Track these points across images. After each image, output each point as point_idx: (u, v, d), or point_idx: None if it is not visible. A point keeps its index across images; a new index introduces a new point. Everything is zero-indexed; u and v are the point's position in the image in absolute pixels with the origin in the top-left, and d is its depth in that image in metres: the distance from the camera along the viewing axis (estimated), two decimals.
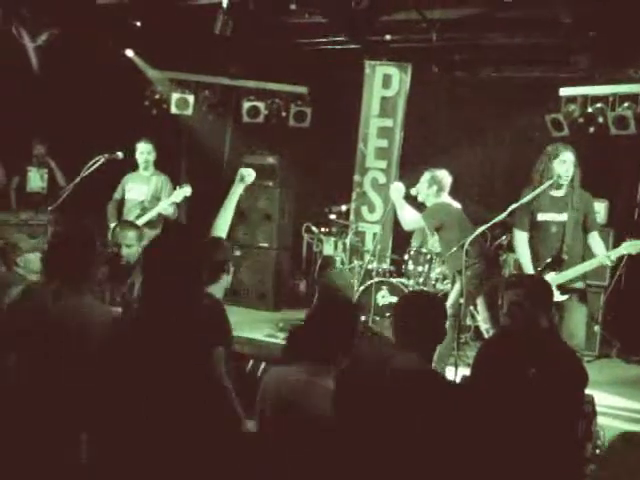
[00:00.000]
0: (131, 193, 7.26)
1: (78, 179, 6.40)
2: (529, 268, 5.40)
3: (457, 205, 6.42)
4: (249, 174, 4.37)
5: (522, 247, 5.50)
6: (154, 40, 8.46)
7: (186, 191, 6.80)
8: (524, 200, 5.36)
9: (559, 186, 5.38)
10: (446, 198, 6.33)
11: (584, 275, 5.40)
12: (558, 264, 5.30)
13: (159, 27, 8.18)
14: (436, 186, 6.24)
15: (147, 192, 7.17)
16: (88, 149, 6.73)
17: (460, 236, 5.80)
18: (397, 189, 6.42)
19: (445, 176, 6.31)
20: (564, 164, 5.33)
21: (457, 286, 6.03)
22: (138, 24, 8.25)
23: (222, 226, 4.22)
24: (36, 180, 7.82)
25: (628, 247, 5.21)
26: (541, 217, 5.41)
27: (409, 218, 6.36)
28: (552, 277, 5.20)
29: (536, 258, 5.41)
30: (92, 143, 7.10)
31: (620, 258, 5.43)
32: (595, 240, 5.41)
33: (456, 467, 2.43)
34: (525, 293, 3.82)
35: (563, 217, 5.33)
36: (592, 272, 5.57)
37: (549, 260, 5.34)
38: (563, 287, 5.26)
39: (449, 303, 6.08)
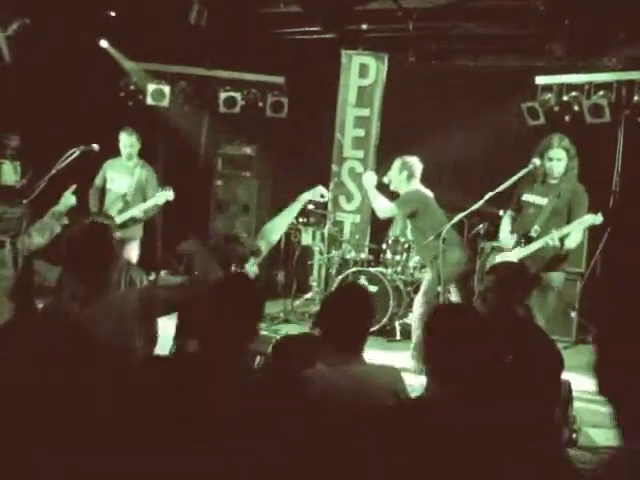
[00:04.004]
0: (114, 184, 7.08)
1: (53, 171, 6.34)
2: (503, 236, 5.58)
3: (429, 193, 6.44)
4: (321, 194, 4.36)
5: (503, 222, 5.70)
6: (129, 30, 8.38)
7: (168, 195, 6.70)
8: (500, 188, 5.41)
9: (548, 177, 5.43)
10: (418, 185, 6.34)
11: (557, 266, 5.40)
12: (526, 242, 5.34)
13: (134, 17, 8.10)
14: (406, 172, 6.26)
15: (130, 184, 7.00)
16: (63, 141, 6.67)
17: (433, 223, 5.92)
18: (369, 178, 6.45)
19: (415, 163, 6.33)
20: (551, 162, 5.38)
21: (429, 274, 6.10)
22: (112, 14, 8.17)
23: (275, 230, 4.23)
24: (10, 173, 7.72)
25: (576, 225, 5.24)
26: (525, 197, 5.51)
27: (382, 207, 6.40)
28: (518, 251, 5.31)
29: (514, 233, 5.51)
30: (67, 135, 7.03)
31: (597, 244, 5.50)
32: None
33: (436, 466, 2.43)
34: (500, 279, 3.86)
35: (543, 201, 5.38)
36: (568, 260, 5.61)
37: (520, 236, 5.40)
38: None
39: (422, 291, 6.13)
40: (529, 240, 5.31)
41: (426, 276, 6.23)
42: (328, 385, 2.83)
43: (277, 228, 4.51)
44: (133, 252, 6.98)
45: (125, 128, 7.08)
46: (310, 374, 2.89)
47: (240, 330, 2.62)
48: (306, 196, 4.85)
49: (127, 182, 7.04)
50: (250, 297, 2.69)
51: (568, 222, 5.35)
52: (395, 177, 6.31)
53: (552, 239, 5.16)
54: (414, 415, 2.41)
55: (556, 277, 5.36)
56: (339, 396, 2.78)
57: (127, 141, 7.04)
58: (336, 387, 2.82)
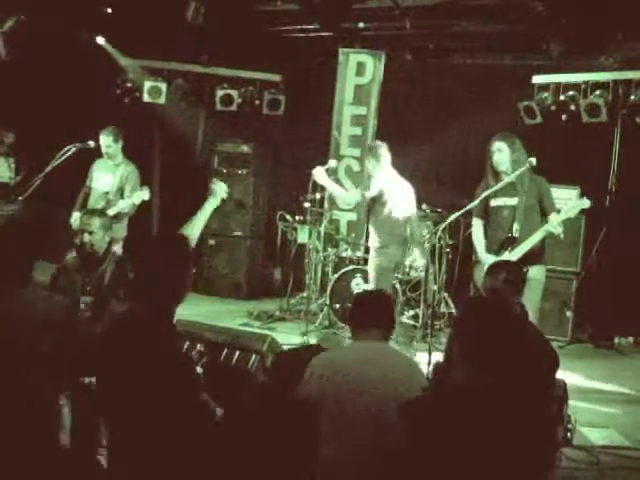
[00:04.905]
0: (97, 182, 6.97)
1: (49, 168, 6.32)
2: (481, 253, 5.46)
3: (401, 183, 6.38)
4: (221, 189, 4.15)
5: (476, 233, 5.57)
6: (125, 27, 8.35)
7: (144, 194, 6.57)
8: (482, 196, 5.39)
9: (499, 172, 5.42)
10: (388, 172, 6.31)
11: (538, 259, 5.36)
12: (511, 243, 5.31)
13: (130, 14, 8.07)
14: (371, 156, 6.29)
15: (112, 183, 6.89)
16: (59, 138, 6.64)
17: (389, 215, 6.09)
18: (318, 173, 6.43)
19: (379, 146, 6.33)
20: (496, 153, 5.38)
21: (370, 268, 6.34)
22: (109, 11, 8.14)
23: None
24: (4, 169, 7.69)
25: (568, 211, 5.22)
26: (494, 203, 5.46)
27: (346, 195, 6.83)
28: (508, 255, 5.23)
29: (491, 242, 5.45)
30: (63, 132, 7.00)
31: (592, 244, 5.46)
32: None
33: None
34: (504, 279, 3.87)
35: (514, 201, 5.36)
36: (564, 259, 5.60)
37: (502, 241, 5.36)
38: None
39: (370, 275, 6.20)
40: (513, 242, 5.28)
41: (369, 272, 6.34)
42: (355, 354, 3.19)
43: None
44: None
45: (104, 129, 6.91)
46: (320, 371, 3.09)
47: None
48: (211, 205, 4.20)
49: (110, 180, 6.94)
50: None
51: (543, 215, 5.32)
52: (368, 165, 6.34)
53: (554, 227, 5.14)
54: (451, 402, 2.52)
55: (538, 270, 5.34)
56: (364, 364, 3.07)
57: (104, 141, 6.86)
58: (362, 357, 3.13)
